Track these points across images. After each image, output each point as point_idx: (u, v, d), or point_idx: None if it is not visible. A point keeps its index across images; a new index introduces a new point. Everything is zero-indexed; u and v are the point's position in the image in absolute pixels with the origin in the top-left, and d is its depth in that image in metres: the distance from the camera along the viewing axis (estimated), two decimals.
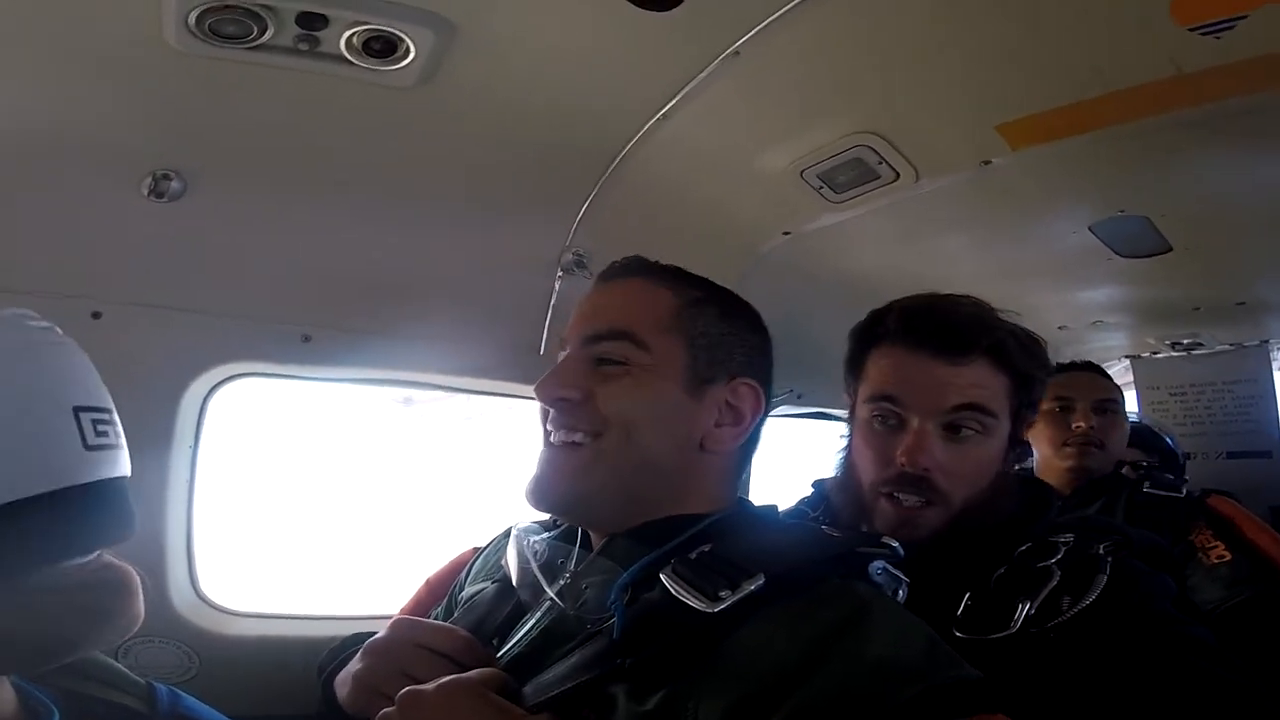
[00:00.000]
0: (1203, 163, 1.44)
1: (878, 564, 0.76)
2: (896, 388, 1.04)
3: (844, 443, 1.16)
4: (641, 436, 0.82)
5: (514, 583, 0.87)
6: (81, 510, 0.71)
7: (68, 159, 1.23)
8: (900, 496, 1.02)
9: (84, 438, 0.72)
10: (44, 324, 0.76)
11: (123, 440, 0.78)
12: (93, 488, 0.72)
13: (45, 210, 1.29)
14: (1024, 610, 0.90)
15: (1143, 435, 2.31)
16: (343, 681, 0.85)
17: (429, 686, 0.70)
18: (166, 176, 1.28)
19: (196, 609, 1.47)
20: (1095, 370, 2.06)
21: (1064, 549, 0.96)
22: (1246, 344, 2.89)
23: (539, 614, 0.82)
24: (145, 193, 1.29)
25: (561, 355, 0.89)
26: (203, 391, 1.47)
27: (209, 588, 1.51)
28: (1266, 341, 2.89)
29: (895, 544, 0.80)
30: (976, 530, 1.04)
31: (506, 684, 0.72)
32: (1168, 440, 2.37)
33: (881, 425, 1.06)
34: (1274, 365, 3.03)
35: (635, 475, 0.82)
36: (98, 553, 0.75)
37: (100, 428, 0.74)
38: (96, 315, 1.33)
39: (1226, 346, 2.91)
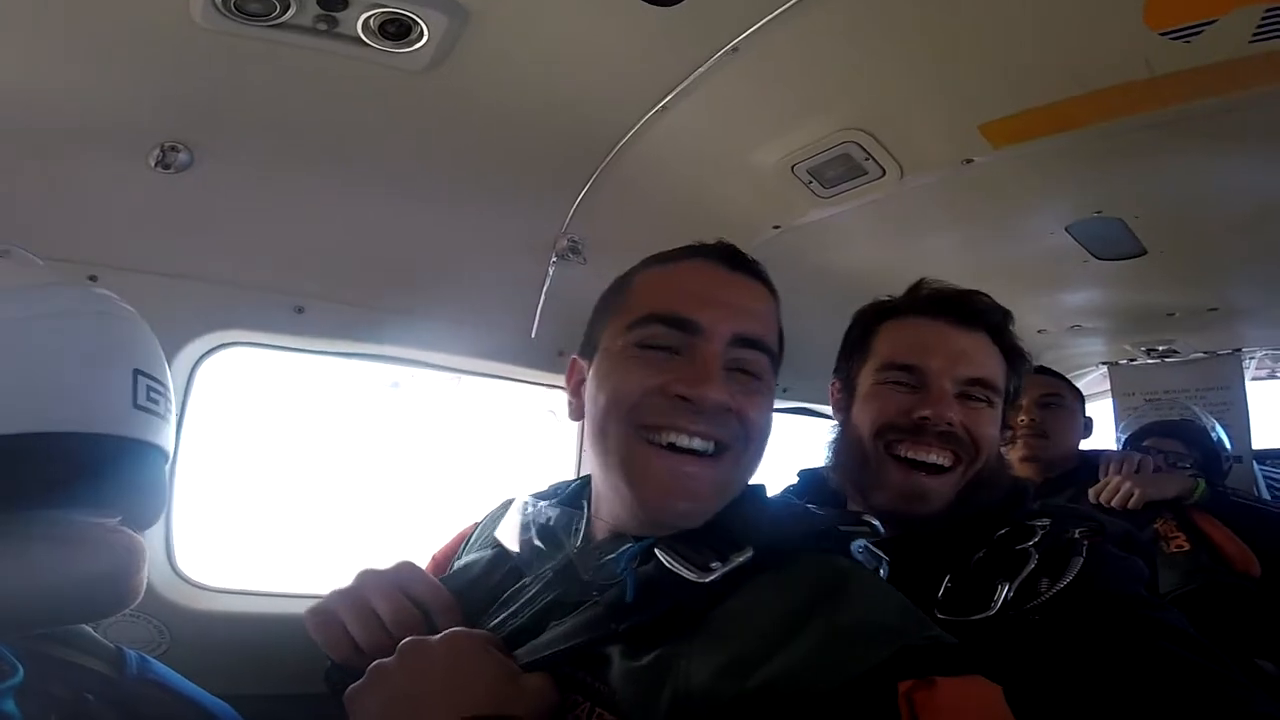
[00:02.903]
0: (1174, 164, 1.49)
1: (859, 542, 0.79)
2: (918, 348, 1.10)
3: (834, 433, 1.20)
4: (760, 454, 0.83)
5: (514, 552, 0.88)
6: (116, 462, 0.74)
7: (79, 128, 1.25)
8: (916, 451, 1.06)
9: (135, 396, 0.75)
10: (120, 300, 0.81)
11: (171, 417, 0.81)
12: (130, 445, 0.75)
13: (48, 175, 1.30)
14: (1004, 591, 0.93)
15: (1183, 429, 2.41)
16: (317, 606, 0.83)
17: (434, 639, 0.72)
18: (174, 148, 1.31)
19: (170, 583, 1.46)
20: (1042, 371, 2.20)
21: (1041, 533, 0.99)
22: (1220, 352, 2.96)
23: (541, 585, 0.82)
24: (152, 163, 1.31)
25: (677, 337, 0.80)
26: (193, 358, 1.47)
27: (184, 562, 1.49)
28: (1239, 350, 2.95)
29: (875, 521, 0.83)
30: (969, 510, 1.07)
31: (500, 645, 0.74)
32: (1213, 436, 2.43)
33: (897, 386, 1.10)
34: (1246, 373, 3.10)
35: (739, 490, 0.83)
36: (119, 518, 0.77)
37: (153, 395, 0.78)
38: (92, 278, 1.34)
39: (1201, 354, 2.97)
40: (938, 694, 0.59)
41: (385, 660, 0.72)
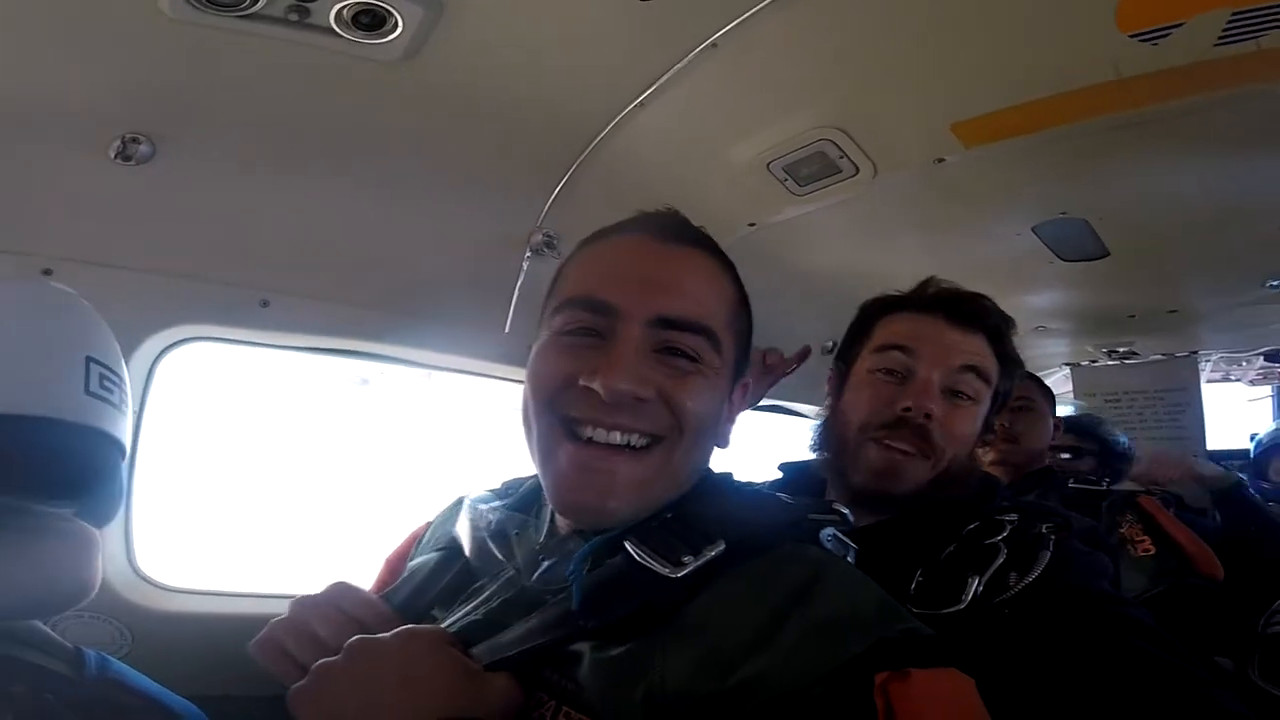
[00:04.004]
0: (1138, 167, 1.53)
1: (828, 531, 0.77)
2: (910, 340, 1.12)
3: (824, 414, 1.22)
4: (703, 442, 0.77)
5: (467, 553, 0.85)
6: (67, 448, 0.73)
7: (35, 117, 1.21)
8: (892, 443, 1.07)
9: (87, 383, 0.75)
10: (69, 290, 0.82)
11: (127, 409, 0.81)
12: (81, 431, 0.74)
13: (2, 166, 1.25)
14: (974, 585, 0.94)
15: (1080, 423, 2.50)
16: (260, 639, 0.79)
17: (386, 635, 0.68)
18: (135, 140, 1.27)
19: (131, 584, 1.43)
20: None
21: (1010, 527, 1.01)
22: (1178, 354, 3.05)
23: (497, 585, 0.79)
24: (112, 155, 1.27)
25: (593, 320, 0.75)
26: (153, 353, 1.43)
27: (145, 562, 1.46)
28: (1195, 352, 3.05)
29: (845, 510, 0.82)
30: (941, 502, 1.09)
31: (457, 645, 0.70)
32: (1102, 431, 2.52)
33: (886, 376, 1.12)
34: (1202, 376, 3.20)
35: (685, 480, 0.78)
36: (73, 509, 0.76)
37: (106, 383, 0.77)
38: (47, 272, 1.30)
39: (1159, 356, 3.06)
40: (912, 685, 0.59)
41: (330, 660, 0.66)
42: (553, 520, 0.81)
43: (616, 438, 0.72)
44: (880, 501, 1.08)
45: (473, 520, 0.86)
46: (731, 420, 0.84)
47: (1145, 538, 1.78)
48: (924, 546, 1.03)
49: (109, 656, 0.80)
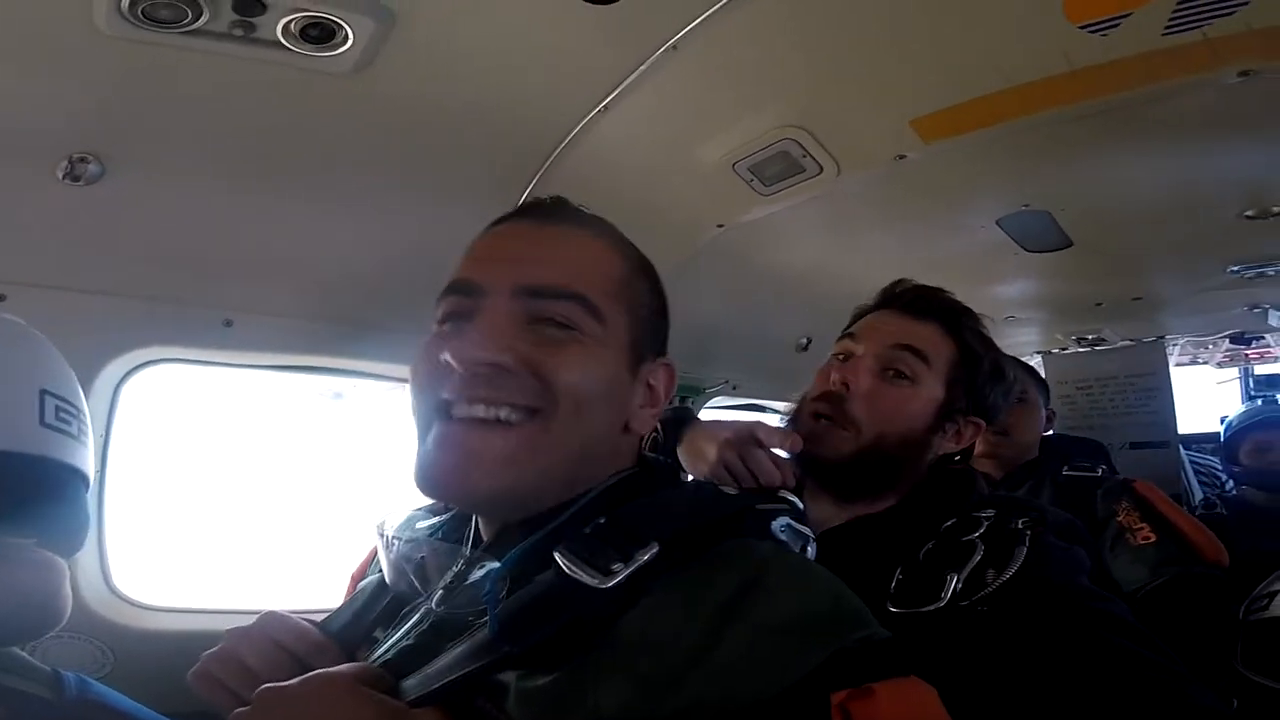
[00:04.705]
0: (1097, 158, 1.55)
1: (781, 520, 0.72)
2: (855, 330, 1.18)
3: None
4: (589, 417, 0.71)
5: (388, 582, 0.81)
6: (24, 480, 0.74)
7: None
8: (817, 409, 1.11)
9: (42, 415, 0.76)
10: (21, 321, 0.82)
11: (86, 439, 0.81)
12: (38, 462, 0.75)
13: None
14: (953, 583, 0.94)
15: None
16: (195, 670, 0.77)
17: (293, 682, 0.63)
18: (84, 159, 1.24)
19: (109, 603, 1.43)
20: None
21: (986, 524, 1.01)
22: (1145, 340, 3.10)
23: (422, 610, 0.74)
24: (60, 175, 1.24)
25: (459, 302, 0.72)
26: (116, 376, 1.42)
27: (123, 582, 1.46)
28: (1162, 337, 3.10)
29: (795, 499, 0.79)
30: (900, 504, 1.10)
31: (380, 679, 0.66)
32: None
33: (836, 360, 1.17)
34: (1170, 360, 3.25)
35: (574, 462, 0.71)
36: (35, 539, 0.76)
37: (62, 415, 0.78)
38: (1, 298, 1.28)
39: (1127, 342, 3.11)
40: (875, 704, 0.54)
41: (242, 710, 0.62)
42: (476, 534, 0.77)
43: (480, 410, 0.67)
44: (808, 466, 1.10)
45: (385, 547, 0.82)
46: (652, 405, 0.78)
47: (1144, 525, 1.72)
48: (903, 544, 1.03)
49: (88, 678, 0.80)
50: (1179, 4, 1.04)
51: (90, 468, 0.83)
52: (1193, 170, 1.61)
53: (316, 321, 1.57)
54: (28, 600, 0.75)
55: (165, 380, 1.52)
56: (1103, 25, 1.10)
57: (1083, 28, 1.11)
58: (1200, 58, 1.12)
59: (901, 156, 1.49)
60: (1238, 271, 2.19)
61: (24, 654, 0.79)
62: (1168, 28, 1.08)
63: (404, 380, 1.74)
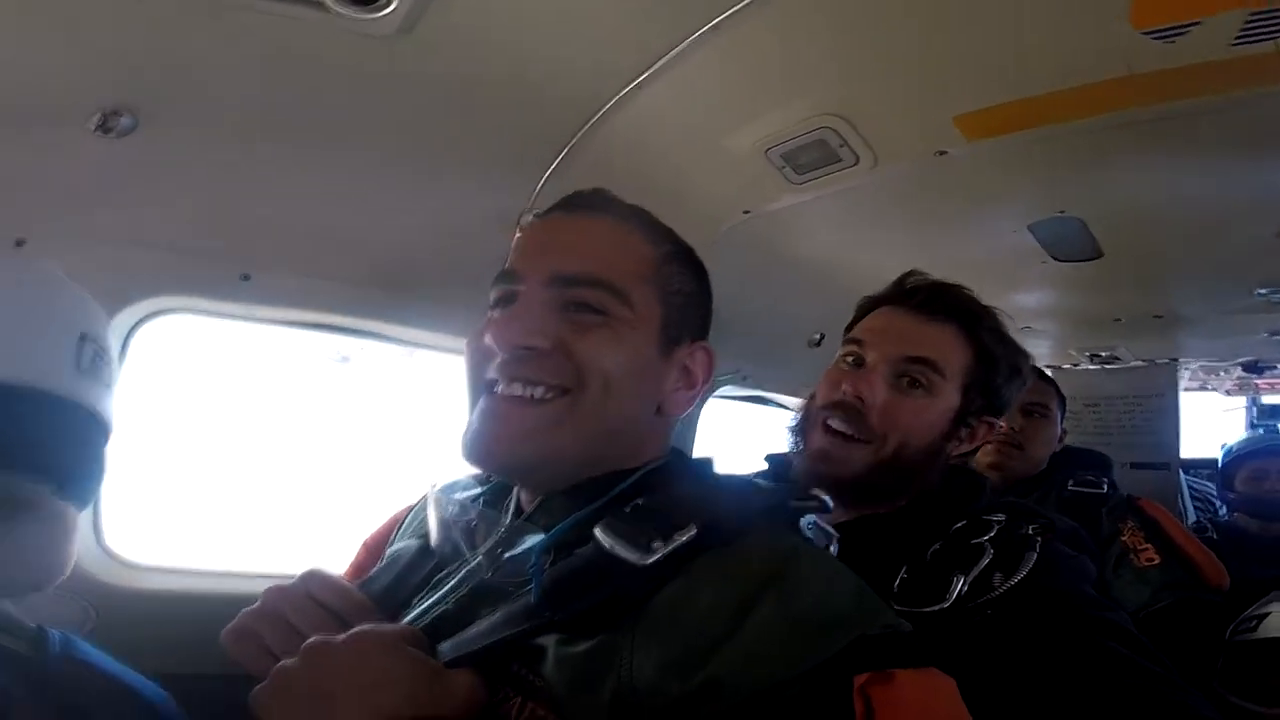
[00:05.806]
0: (1137, 167, 1.52)
1: (809, 518, 0.77)
2: (865, 333, 1.15)
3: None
4: (618, 396, 0.76)
5: (433, 543, 0.84)
6: (54, 423, 0.73)
7: (12, 91, 1.17)
8: (831, 423, 1.09)
9: (79, 360, 0.75)
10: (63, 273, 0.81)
11: (114, 390, 0.80)
12: (71, 407, 0.74)
13: None
14: (959, 584, 0.94)
15: None
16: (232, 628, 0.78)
17: (342, 637, 0.66)
18: (117, 113, 1.22)
19: (98, 561, 1.41)
20: (1034, 373, 2.14)
21: (997, 528, 1.00)
22: (1159, 360, 3.08)
23: (462, 575, 0.78)
24: (93, 128, 1.22)
25: (504, 289, 0.79)
26: (128, 324, 1.41)
27: (114, 539, 1.44)
28: (1176, 360, 3.08)
29: (825, 497, 0.81)
30: (909, 505, 1.09)
31: (420, 641, 0.69)
32: None
33: (844, 364, 1.15)
34: (1180, 383, 3.23)
35: (603, 438, 0.77)
36: (52, 486, 0.75)
37: (97, 361, 0.77)
38: (20, 243, 1.28)
39: (1140, 362, 3.09)
40: (895, 688, 0.57)
41: (287, 662, 0.65)
42: (518, 505, 0.82)
43: (518, 389, 0.75)
44: (823, 487, 1.08)
45: (437, 508, 0.85)
46: (688, 387, 0.84)
47: (1148, 546, 1.71)
48: (910, 543, 1.02)
49: (74, 636, 0.78)
50: (1252, 15, 1.01)
51: (112, 418, 0.81)
52: (1234, 185, 1.57)
53: (335, 281, 1.55)
54: (38, 553, 0.74)
55: (174, 337, 1.50)
56: (1169, 32, 1.06)
57: (1147, 34, 1.07)
58: (1268, 70, 1.09)
59: (942, 152, 1.45)
60: (1264, 294, 2.16)
61: (10, 608, 0.76)
62: (1238, 38, 1.05)
63: (417, 345, 1.75)
